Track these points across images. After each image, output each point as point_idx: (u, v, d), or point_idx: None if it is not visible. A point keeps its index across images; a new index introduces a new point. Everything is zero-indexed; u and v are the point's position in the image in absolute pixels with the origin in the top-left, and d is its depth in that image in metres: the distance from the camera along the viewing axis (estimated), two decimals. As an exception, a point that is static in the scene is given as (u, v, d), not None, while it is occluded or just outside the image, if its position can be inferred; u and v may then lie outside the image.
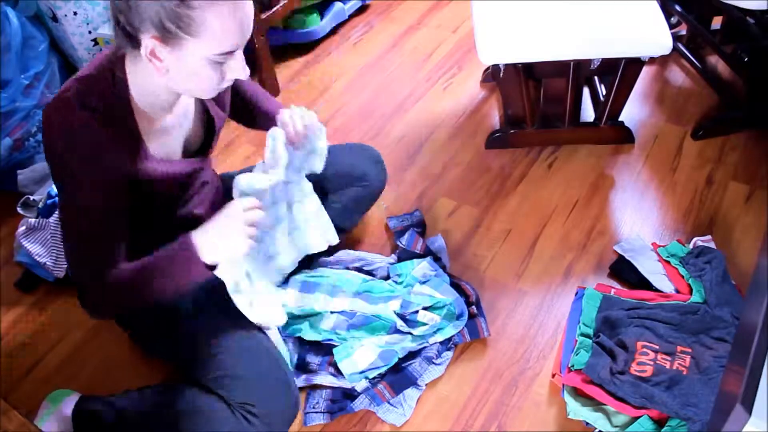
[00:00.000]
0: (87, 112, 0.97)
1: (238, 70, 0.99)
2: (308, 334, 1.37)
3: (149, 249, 1.08)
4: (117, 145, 1.01)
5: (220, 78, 0.99)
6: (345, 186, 1.49)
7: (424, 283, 1.44)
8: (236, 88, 1.33)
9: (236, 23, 0.93)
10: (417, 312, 1.38)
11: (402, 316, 1.38)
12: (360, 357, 1.32)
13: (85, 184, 1.01)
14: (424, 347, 1.34)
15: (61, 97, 0.99)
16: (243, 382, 1.16)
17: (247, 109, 1.36)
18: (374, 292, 1.43)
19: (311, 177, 1.37)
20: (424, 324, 1.36)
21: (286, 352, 1.35)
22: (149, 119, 1.06)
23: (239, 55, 0.98)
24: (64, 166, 1.00)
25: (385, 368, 1.31)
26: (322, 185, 1.45)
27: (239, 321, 1.21)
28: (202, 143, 1.21)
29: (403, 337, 1.36)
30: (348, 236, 1.59)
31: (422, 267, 1.47)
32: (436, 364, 1.32)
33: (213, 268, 1.09)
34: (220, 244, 1.07)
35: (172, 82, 0.99)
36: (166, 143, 1.10)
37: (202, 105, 1.19)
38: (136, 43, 0.93)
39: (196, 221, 1.13)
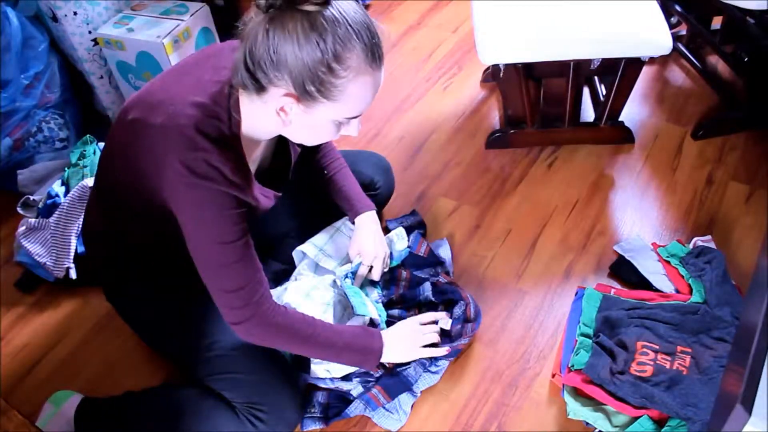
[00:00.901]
0: (206, 140, 0.95)
1: (354, 128, 1.02)
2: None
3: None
4: (234, 174, 0.99)
5: (336, 133, 1.01)
6: None
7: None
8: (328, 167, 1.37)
9: (372, 92, 0.96)
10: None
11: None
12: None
13: (227, 210, 0.99)
14: None
15: (181, 123, 0.95)
16: (249, 384, 1.16)
17: (326, 181, 1.38)
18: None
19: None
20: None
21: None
22: (248, 150, 1.05)
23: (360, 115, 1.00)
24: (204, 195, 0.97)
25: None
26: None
27: None
28: (270, 170, 1.21)
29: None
30: None
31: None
32: (431, 372, 1.30)
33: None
34: (402, 354, 1.25)
35: (286, 131, 1.00)
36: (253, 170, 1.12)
37: (286, 142, 1.20)
38: (261, 89, 0.93)
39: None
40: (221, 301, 1.06)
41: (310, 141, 1.05)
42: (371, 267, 1.40)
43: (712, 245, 1.48)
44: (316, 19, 0.86)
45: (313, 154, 1.39)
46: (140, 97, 1.03)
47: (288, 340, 1.12)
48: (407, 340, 1.26)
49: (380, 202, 1.55)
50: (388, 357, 1.22)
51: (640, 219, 1.61)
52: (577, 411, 1.21)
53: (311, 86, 0.89)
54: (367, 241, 1.38)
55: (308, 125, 0.98)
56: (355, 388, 1.28)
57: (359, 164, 1.50)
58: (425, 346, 1.28)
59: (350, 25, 0.88)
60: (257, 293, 1.06)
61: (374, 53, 0.92)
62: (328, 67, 0.88)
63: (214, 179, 0.96)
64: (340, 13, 0.88)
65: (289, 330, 1.10)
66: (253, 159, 1.12)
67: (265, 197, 1.13)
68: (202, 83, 0.99)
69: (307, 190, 1.44)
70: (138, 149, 0.99)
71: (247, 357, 1.18)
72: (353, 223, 1.41)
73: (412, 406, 1.28)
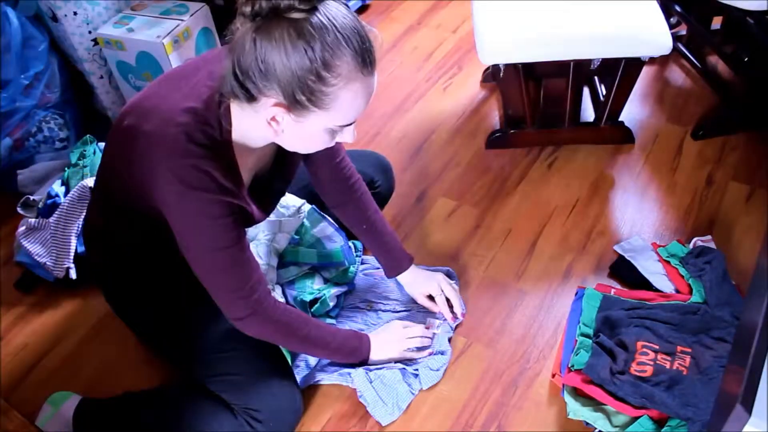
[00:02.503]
0: (196, 147, 0.95)
1: (348, 134, 1.00)
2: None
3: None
4: (226, 179, 0.99)
5: (330, 141, 0.99)
6: None
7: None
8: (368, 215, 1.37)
9: (365, 99, 0.93)
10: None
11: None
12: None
13: (218, 213, 0.99)
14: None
15: (171, 130, 0.95)
16: (247, 386, 1.15)
17: (367, 230, 1.38)
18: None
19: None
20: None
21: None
22: (240, 159, 1.04)
23: (354, 122, 0.98)
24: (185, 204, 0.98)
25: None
26: None
27: None
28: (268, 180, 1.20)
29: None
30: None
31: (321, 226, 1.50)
32: (432, 369, 1.31)
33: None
34: (387, 354, 1.31)
35: (278, 139, 0.99)
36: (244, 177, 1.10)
37: (282, 153, 1.18)
38: (252, 98, 0.91)
39: None
40: (221, 300, 1.08)
41: (304, 150, 1.05)
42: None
43: (712, 245, 1.48)
44: (303, 26, 0.84)
45: (347, 190, 1.34)
46: (136, 103, 1.03)
47: (285, 336, 1.15)
48: (393, 345, 1.31)
49: (380, 201, 1.55)
50: (375, 358, 1.30)
51: (640, 219, 1.61)
52: (577, 411, 1.21)
53: (301, 95, 0.88)
54: (428, 286, 1.42)
55: (301, 134, 0.96)
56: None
57: (359, 163, 1.49)
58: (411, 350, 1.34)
59: (339, 32, 0.86)
60: (256, 292, 1.07)
61: (365, 59, 0.90)
62: (318, 76, 0.86)
63: (206, 188, 0.96)
64: (328, 19, 0.86)
65: (286, 327, 1.13)
66: (248, 167, 1.10)
67: (257, 209, 1.13)
68: (197, 89, 0.99)
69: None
70: (132, 156, 0.99)
71: (245, 359, 1.18)
72: (390, 277, 1.43)
73: (408, 405, 1.28)
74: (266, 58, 0.86)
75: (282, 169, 1.20)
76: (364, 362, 1.30)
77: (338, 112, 0.92)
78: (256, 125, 0.97)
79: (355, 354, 1.27)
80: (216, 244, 1.01)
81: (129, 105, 1.04)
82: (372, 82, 0.93)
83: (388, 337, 1.32)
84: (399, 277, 1.42)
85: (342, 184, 1.33)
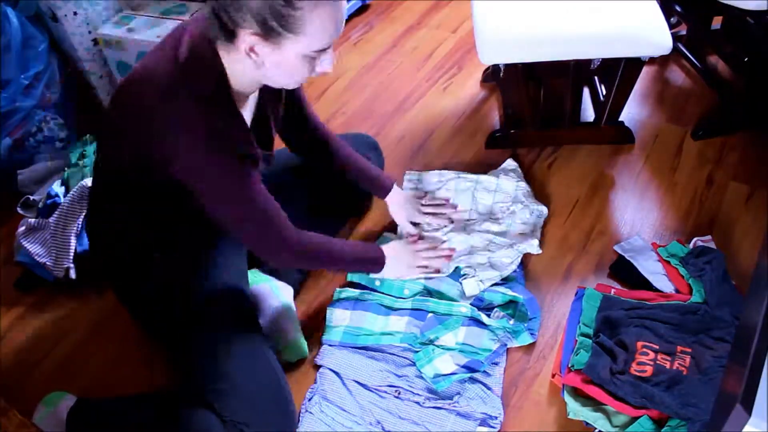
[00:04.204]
0: (196, 102, 1.00)
1: (327, 62, 1.03)
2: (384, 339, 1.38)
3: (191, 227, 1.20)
4: (233, 129, 1.06)
5: (310, 70, 1.03)
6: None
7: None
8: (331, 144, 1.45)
9: (336, 21, 0.97)
10: (490, 310, 1.40)
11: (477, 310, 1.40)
12: (441, 363, 1.31)
13: (236, 164, 1.06)
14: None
15: (167, 85, 1.00)
16: (238, 399, 1.14)
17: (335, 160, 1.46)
18: (444, 290, 1.46)
19: (312, 168, 1.47)
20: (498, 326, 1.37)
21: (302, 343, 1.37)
22: (240, 104, 1.10)
23: (330, 49, 1.02)
24: (201, 162, 1.03)
25: (469, 374, 1.30)
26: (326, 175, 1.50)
27: (246, 335, 1.22)
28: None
29: (481, 332, 1.36)
30: (362, 220, 1.67)
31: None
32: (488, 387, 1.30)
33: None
34: (397, 270, 1.42)
35: (263, 74, 1.03)
36: None
37: (266, 100, 1.22)
38: (232, 36, 0.96)
39: None
40: (250, 243, 1.20)
41: (287, 82, 1.07)
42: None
43: (712, 245, 1.48)
44: None
45: (319, 141, 1.44)
46: (131, 77, 1.07)
47: (311, 261, 1.29)
48: (403, 259, 1.43)
49: None
50: (387, 271, 1.39)
51: (640, 219, 1.61)
52: (577, 411, 1.21)
53: (273, 21, 0.92)
54: (411, 208, 1.57)
55: (280, 63, 0.99)
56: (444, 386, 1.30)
57: (350, 144, 1.56)
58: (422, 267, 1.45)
59: None
60: (283, 229, 1.17)
61: None
62: (285, 0, 0.91)
63: (226, 148, 1.03)
64: None
65: (312, 252, 1.25)
66: (248, 113, 1.15)
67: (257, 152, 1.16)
68: (186, 40, 1.03)
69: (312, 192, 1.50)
70: (138, 128, 1.03)
71: (240, 370, 1.17)
72: (381, 198, 1.55)
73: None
74: None
75: (264, 119, 1.24)
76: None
77: (311, 36, 0.95)
78: (242, 65, 1.02)
79: (373, 263, 1.37)
80: (244, 196, 1.10)
81: (122, 81, 1.09)
82: (340, 6, 0.97)
83: (397, 252, 1.41)
84: (388, 198, 1.53)
85: (313, 132, 1.43)
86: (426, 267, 1.46)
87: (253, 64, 1.00)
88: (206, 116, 1.00)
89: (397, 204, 1.55)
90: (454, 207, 1.63)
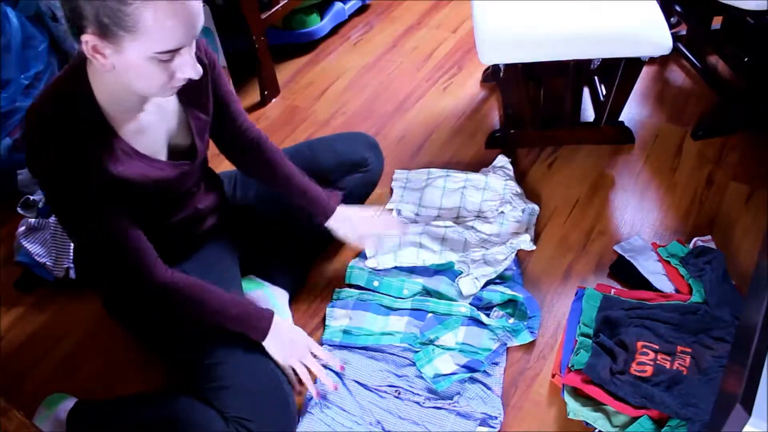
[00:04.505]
0: (54, 124, 0.97)
1: (188, 68, 0.96)
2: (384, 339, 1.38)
3: (163, 242, 1.13)
4: (94, 147, 1.00)
5: (168, 76, 0.95)
6: (347, 173, 1.53)
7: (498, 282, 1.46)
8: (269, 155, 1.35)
9: (178, 21, 0.88)
10: (490, 309, 1.40)
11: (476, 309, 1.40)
12: (441, 363, 1.31)
13: (86, 194, 1.01)
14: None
15: (31, 113, 1.00)
16: (240, 396, 1.15)
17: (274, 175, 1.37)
18: (443, 290, 1.46)
19: (312, 170, 1.43)
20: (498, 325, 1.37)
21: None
22: (121, 119, 1.04)
23: (187, 54, 0.95)
24: (56, 184, 1.00)
25: (469, 374, 1.30)
26: (325, 176, 1.48)
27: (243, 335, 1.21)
28: (188, 152, 1.19)
29: (481, 332, 1.36)
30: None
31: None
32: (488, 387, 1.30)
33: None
34: (281, 349, 1.23)
35: (120, 80, 0.97)
36: (146, 143, 1.09)
37: (185, 109, 1.16)
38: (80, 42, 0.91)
39: (200, 216, 1.21)
40: (117, 277, 1.14)
41: (145, 88, 0.99)
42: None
43: (712, 245, 1.48)
44: None
45: (255, 150, 1.36)
46: None
47: (182, 305, 1.16)
48: (291, 346, 1.24)
49: (373, 179, 1.59)
50: (267, 345, 1.22)
51: (640, 219, 1.61)
52: (577, 411, 1.21)
53: (105, 18, 0.86)
54: (364, 225, 1.44)
55: (129, 67, 0.92)
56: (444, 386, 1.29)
57: (349, 144, 1.54)
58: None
59: None
60: (142, 261, 1.10)
61: None
62: None
63: (83, 173, 0.99)
64: None
65: (183, 294, 1.14)
66: (135, 129, 1.06)
67: (154, 168, 1.10)
68: (63, 71, 1.01)
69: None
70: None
71: (239, 368, 1.17)
72: (321, 224, 1.41)
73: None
74: None
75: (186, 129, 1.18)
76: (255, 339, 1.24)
77: (150, 35, 0.88)
78: (105, 78, 0.98)
79: (253, 330, 1.21)
80: (106, 225, 1.05)
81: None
82: (183, 5, 0.88)
83: (293, 338, 1.25)
84: (328, 224, 1.40)
85: (249, 144, 1.34)
86: (297, 367, 1.25)
87: (102, 68, 0.93)
88: (58, 141, 0.97)
89: (342, 226, 1.42)
90: (406, 222, 1.58)
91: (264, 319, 1.22)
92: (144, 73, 0.94)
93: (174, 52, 0.92)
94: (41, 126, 0.98)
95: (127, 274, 1.10)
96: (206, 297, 1.17)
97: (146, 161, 1.08)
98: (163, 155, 1.13)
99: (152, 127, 1.10)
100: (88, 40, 0.89)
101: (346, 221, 1.41)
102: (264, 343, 1.21)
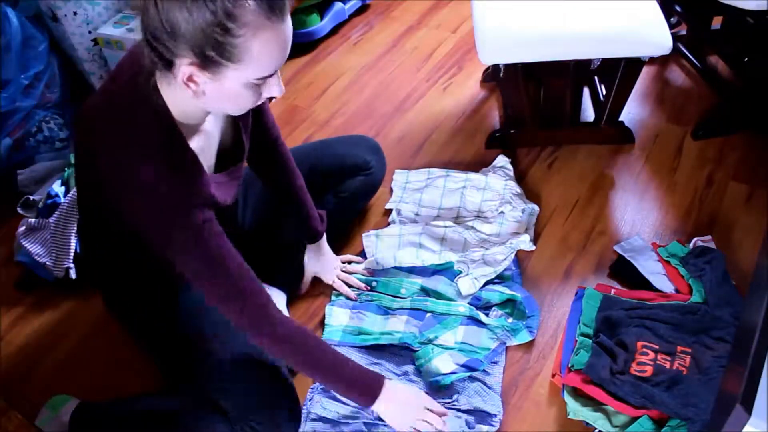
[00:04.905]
0: (152, 165, 0.93)
1: (275, 87, 0.96)
2: (383, 339, 1.38)
3: None
4: (193, 173, 0.99)
5: (257, 97, 0.95)
6: (349, 176, 1.53)
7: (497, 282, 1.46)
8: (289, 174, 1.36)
9: (279, 47, 0.89)
10: (488, 309, 1.41)
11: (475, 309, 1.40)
12: (441, 363, 1.31)
13: (200, 232, 0.99)
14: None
15: (113, 130, 0.95)
16: (246, 396, 1.15)
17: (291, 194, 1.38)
18: (441, 289, 1.45)
19: (314, 173, 1.43)
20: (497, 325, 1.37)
21: None
22: (187, 133, 1.01)
23: (277, 74, 0.95)
24: (171, 229, 0.97)
25: (468, 374, 1.30)
26: (327, 179, 1.49)
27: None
28: (233, 152, 1.18)
29: (480, 331, 1.36)
30: (355, 223, 1.65)
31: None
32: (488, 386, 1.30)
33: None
34: (394, 415, 1.18)
35: (205, 103, 0.95)
36: (204, 157, 1.06)
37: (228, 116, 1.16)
38: (169, 65, 0.88)
39: (226, 209, 1.17)
40: (221, 310, 1.07)
41: (232, 110, 1.00)
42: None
43: (712, 245, 1.48)
44: None
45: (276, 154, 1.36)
46: (92, 102, 1.02)
47: (297, 354, 1.11)
48: (406, 409, 1.19)
49: (375, 182, 1.58)
50: (380, 410, 1.17)
51: (640, 219, 1.61)
52: (577, 411, 1.21)
53: (211, 51, 0.84)
54: (331, 262, 1.50)
55: (222, 93, 0.91)
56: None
57: (351, 148, 1.53)
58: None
59: None
60: (258, 300, 1.06)
61: (271, 5, 0.85)
62: (223, 28, 0.82)
63: (172, 206, 0.96)
64: None
65: (299, 341, 1.11)
66: (199, 147, 1.05)
67: (223, 187, 1.10)
68: (127, 83, 0.97)
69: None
70: (87, 170, 1.01)
71: (245, 369, 1.17)
72: (306, 246, 1.47)
73: None
74: (170, 18, 0.83)
75: (235, 140, 1.17)
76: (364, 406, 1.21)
77: (252, 64, 0.87)
78: (181, 95, 0.94)
79: (364, 394, 1.16)
80: (205, 254, 1.01)
81: (87, 107, 1.03)
82: (284, 29, 0.88)
83: (404, 398, 1.19)
84: (309, 247, 1.47)
85: (267, 143, 1.33)
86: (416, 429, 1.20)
87: (193, 95, 0.92)
88: (156, 176, 0.93)
89: (314, 258, 1.48)
90: (372, 274, 1.53)
91: (374, 388, 1.16)
92: (236, 97, 0.93)
93: (269, 76, 0.92)
94: (142, 164, 0.93)
95: (249, 314, 1.06)
96: (324, 348, 1.14)
97: (212, 177, 1.07)
98: (212, 168, 1.11)
99: (207, 145, 1.08)
100: (186, 71, 0.87)
101: (319, 258, 1.49)
102: (376, 409, 1.17)
